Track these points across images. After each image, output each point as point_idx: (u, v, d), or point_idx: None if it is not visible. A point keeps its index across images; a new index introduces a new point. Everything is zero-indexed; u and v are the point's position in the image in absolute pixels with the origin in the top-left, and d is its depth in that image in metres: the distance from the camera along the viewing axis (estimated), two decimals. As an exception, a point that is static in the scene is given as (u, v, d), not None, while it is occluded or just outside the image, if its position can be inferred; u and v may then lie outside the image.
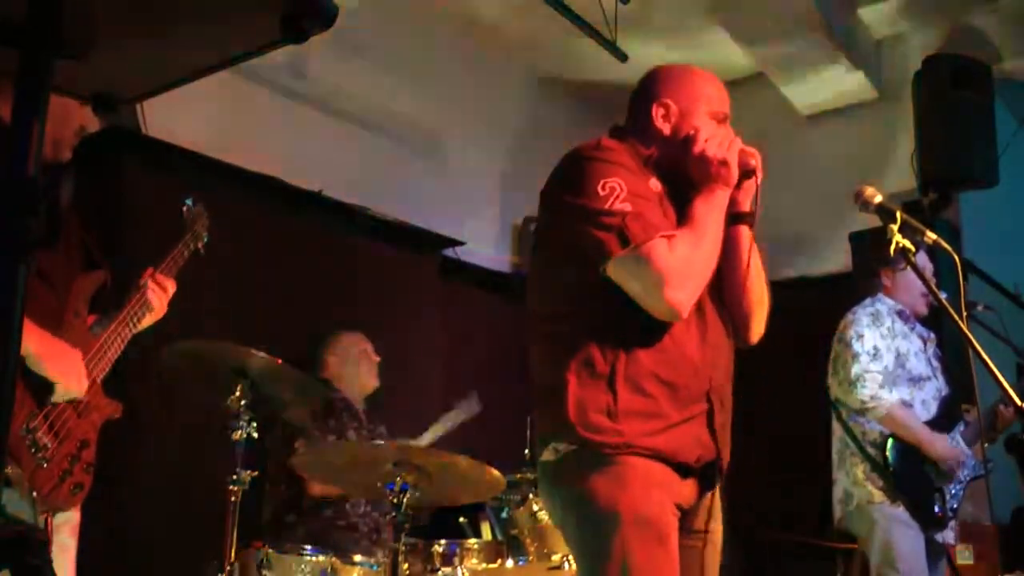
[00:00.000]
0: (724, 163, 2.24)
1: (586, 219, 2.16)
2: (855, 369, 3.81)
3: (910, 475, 3.82)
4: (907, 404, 3.86)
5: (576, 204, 2.19)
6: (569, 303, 2.23)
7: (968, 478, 3.94)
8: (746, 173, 2.29)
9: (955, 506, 3.86)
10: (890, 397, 3.78)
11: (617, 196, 2.15)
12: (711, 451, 2.22)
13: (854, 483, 3.88)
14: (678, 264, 2.12)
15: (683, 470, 2.18)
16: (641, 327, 2.17)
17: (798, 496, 4.43)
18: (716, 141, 2.27)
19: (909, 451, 3.84)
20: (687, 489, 2.21)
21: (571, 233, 2.21)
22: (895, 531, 3.77)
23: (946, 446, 3.88)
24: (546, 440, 2.21)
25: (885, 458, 3.81)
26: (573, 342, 2.18)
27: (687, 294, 2.15)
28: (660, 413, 2.15)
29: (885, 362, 3.85)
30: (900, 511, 3.78)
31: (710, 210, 2.23)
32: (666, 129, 2.36)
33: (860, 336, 3.87)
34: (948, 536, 3.90)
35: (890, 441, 3.82)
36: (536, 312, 2.32)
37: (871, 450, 3.84)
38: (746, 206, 2.34)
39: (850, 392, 3.81)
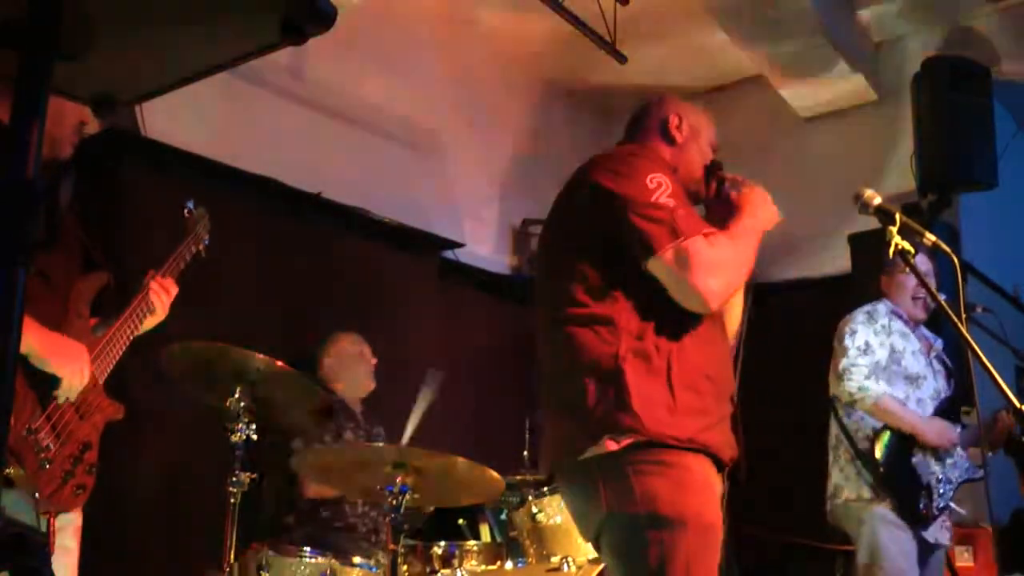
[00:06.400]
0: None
1: (634, 210, 2.18)
2: (843, 362, 3.86)
3: (897, 471, 3.84)
4: (900, 402, 3.88)
5: (623, 195, 2.20)
6: (611, 292, 2.20)
7: (960, 479, 3.94)
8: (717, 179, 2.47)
9: (942, 504, 3.87)
10: (877, 387, 3.82)
11: (664, 190, 2.19)
12: (736, 450, 2.27)
13: (846, 478, 3.93)
14: (716, 258, 2.17)
15: (720, 468, 2.23)
16: (690, 321, 2.21)
17: (798, 497, 4.43)
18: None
19: (898, 448, 3.86)
20: (720, 487, 2.25)
21: (615, 223, 2.20)
22: (882, 530, 3.79)
23: (937, 428, 3.89)
24: (593, 433, 2.13)
25: (874, 453, 3.84)
26: (623, 333, 2.17)
27: (719, 286, 2.17)
28: (707, 410, 2.19)
29: (877, 357, 3.89)
30: (887, 510, 3.80)
31: (752, 229, 2.32)
32: (679, 137, 2.46)
33: (853, 332, 3.93)
34: (943, 536, 3.90)
35: (884, 436, 3.84)
36: (568, 300, 2.24)
37: (863, 445, 3.87)
38: None
39: (839, 385, 3.86)
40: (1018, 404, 2.24)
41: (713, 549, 2.13)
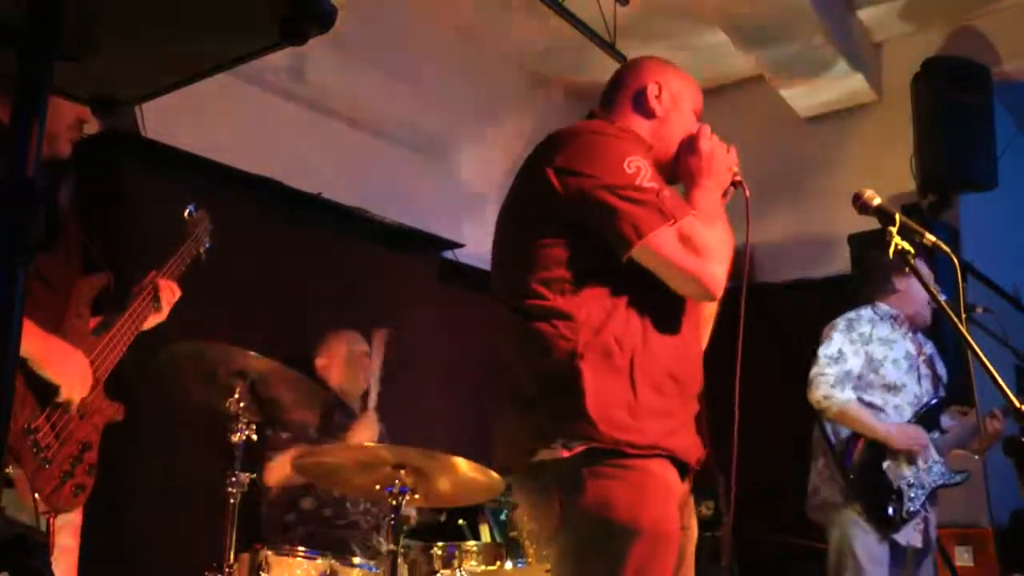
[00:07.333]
0: (729, 169, 2.26)
1: (615, 194, 2.03)
2: (812, 371, 3.94)
3: (867, 476, 3.89)
4: (878, 408, 3.92)
5: (599, 178, 2.05)
6: (572, 284, 2.08)
7: (934, 485, 3.95)
8: (733, 183, 2.31)
9: (913, 509, 3.88)
10: (842, 396, 3.88)
11: (645, 174, 2.06)
12: (703, 451, 2.19)
13: (822, 480, 4.02)
14: (715, 242, 2.08)
15: (684, 472, 2.14)
16: (657, 318, 2.09)
17: (796, 497, 4.43)
18: (717, 141, 2.27)
19: (870, 454, 3.89)
20: (682, 491, 2.15)
21: (585, 210, 2.06)
22: (851, 534, 3.86)
23: (901, 433, 3.91)
24: (546, 435, 2.02)
25: (847, 458, 3.88)
26: (583, 328, 2.03)
27: (720, 271, 2.09)
28: (672, 412, 2.08)
29: (849, 366, 3.93)
30: (856, 515, 3.87)
31: (718, 204, 2.22)
32: (659, 109, 2.31)
33: (829, 341, 3.98)
34: (915, 539, 3.90)
35: (859, 443, 3.88)
36: (524, 290, 2.14)
37: (839, 449, 3.94)
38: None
39: (808, 393, 3.93)
40: (1018, 404, 2.23)
41: (666, 561, 2.01)
